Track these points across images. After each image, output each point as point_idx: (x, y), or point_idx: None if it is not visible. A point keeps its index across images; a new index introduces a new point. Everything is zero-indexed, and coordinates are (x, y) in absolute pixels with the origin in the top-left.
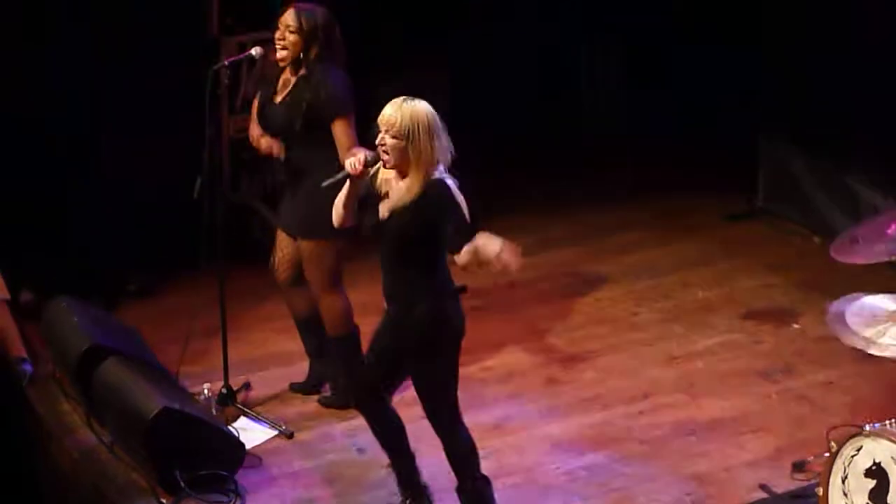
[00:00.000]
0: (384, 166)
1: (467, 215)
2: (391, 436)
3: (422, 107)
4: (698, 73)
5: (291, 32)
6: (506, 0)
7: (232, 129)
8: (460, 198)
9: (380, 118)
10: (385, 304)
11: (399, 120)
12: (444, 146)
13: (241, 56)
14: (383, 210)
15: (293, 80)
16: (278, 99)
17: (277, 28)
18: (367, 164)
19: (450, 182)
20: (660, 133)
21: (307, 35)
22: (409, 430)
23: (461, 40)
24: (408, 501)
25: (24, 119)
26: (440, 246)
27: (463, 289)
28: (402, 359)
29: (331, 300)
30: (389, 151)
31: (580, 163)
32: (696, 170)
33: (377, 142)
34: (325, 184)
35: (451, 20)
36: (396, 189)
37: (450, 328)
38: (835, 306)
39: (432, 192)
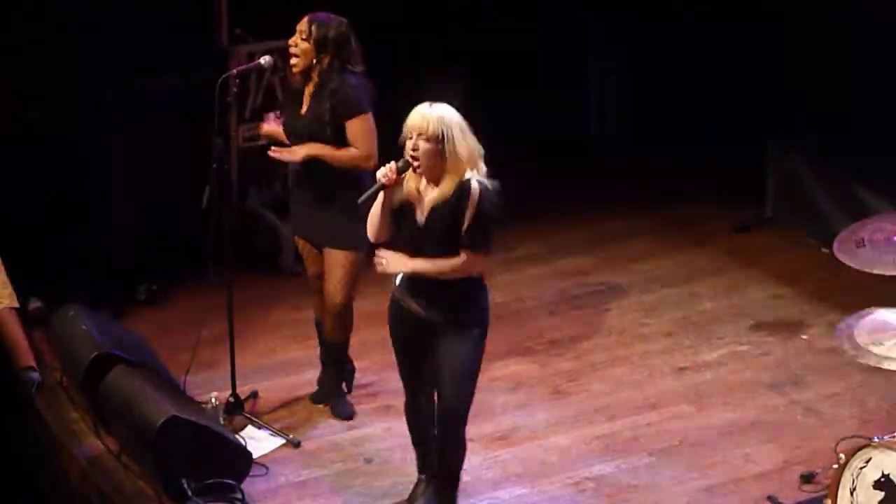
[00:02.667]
0: (414, 171)
1: (490, 221)
2: (424, 428)
3: (449, 109)
4: (705, 83)
5: (304, 40)
6: (516, 10)
7: (241, 138)
8: (489, 200)
9: (409, 124)
10: (408, 301)
11: (430, 124)
12: (473, 146)
13: (251, 65)
14: (420, 217)
15: (313, 90)
16: (303, 111)
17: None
18: (399, 172)
19: (480, 184)
20: (668, 143)
21: (318, 44)
22: None
23: (477, 47)
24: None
25: (34, 128)
26: None
27: None
28: (436, 365)
29: (344, 308)
30: (421, 157)
31: (589, 172)
32: (705, 180)
33: (409, 148)
34: (361, 199)
35: (467, 25)
36: (430, 194)
37: (483, 338)
38: (845, 323)
39: (463, 193)
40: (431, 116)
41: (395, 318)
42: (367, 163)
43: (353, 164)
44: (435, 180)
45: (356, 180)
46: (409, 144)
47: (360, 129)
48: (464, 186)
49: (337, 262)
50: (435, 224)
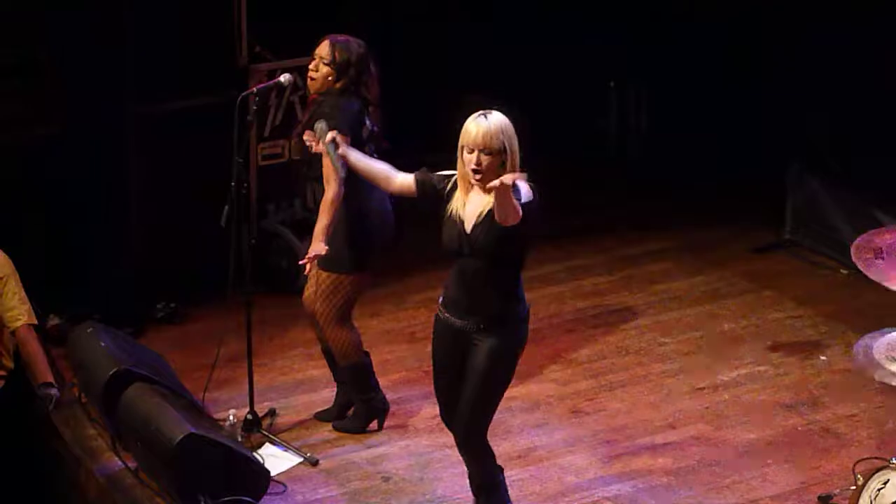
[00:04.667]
0: (478, 184)
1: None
2: None
3: (503, 118)
4: (726, 105)
5: (325, 64)
6: (533, 30)
7: (260, 156)
8: (528, 201)
9: (470, 140)
10: (446, 315)
11: (493, 139)
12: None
13: (270, 83)
14: (468, 225)
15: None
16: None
17: (313, 58)
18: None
19: (521, 186)
20: (688, 164)
21: (339, 68)
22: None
23: (495, 65)
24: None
25: (53, 143)
26: (521, 257)
27: None
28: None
29: (336, 333)
30: (486, 171)
31: (608, 193)
32: (724, 202)
33: (471, 162)
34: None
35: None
36: (479, 201)
37: (520, 349)
38: (861, 342)
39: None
40: (492, 131)
41: (436, 334)
42: (327, 183)
43: (330, 197)
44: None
45: (342, 203)
46: (470, 158)
47: None
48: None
49: (321, 281)
50: (479, 231)
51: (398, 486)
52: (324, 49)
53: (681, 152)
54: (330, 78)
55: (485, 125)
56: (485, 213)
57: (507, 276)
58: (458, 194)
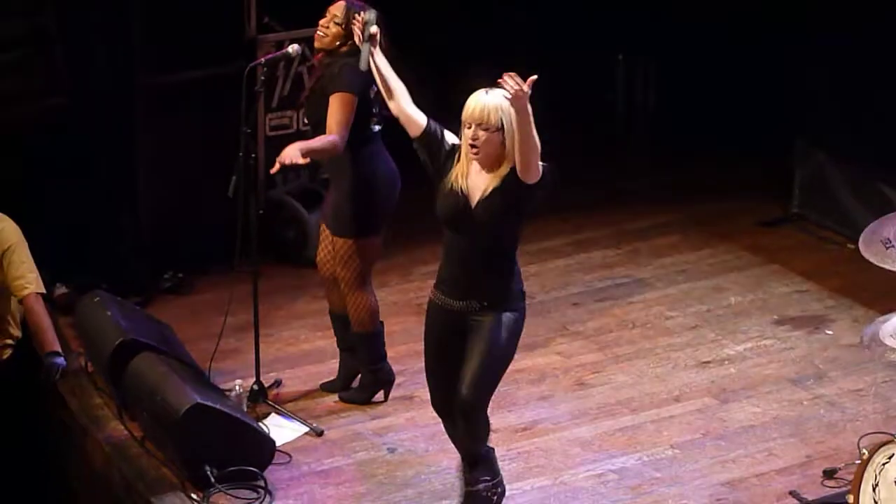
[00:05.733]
0: (475, 159)
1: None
2: None
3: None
4: (733, 78)
5: (336, 24)
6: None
7: (268, 127)
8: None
9: (467, 114)
10: (443, 298)
11: (490, 114)
12: None
13: (278, 53)
14: (472, 200)
15: (322, 69)
16: (313, 86)
17: (325, 15)
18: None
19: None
20: (695, 138)
21: (349, 31)
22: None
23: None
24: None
25: (61, 116)
26: (518, 238)
27: None
28: (466, 353)
29: (357, 298)
30: (482, 146)
31: (615, 166)
32: (731, 175)
33: (468, 137)
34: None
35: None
36: (483, 178)
37: (519, 328)
38: (869, 329)
39: (515, 177)
40: (490, 105)
41: (431, 318)
42: (330, 139)
43: (330, 139)
44: (490, 167)
45: (350, 166)
46: (467, 133)
47: (334, 106)
48: (515, 174)
49: (338, 248)
50: (482, 208)
51: (403, 457)
52: (339, 8)
53: (688, 126)
54: (339, 40)
55: (483, 100)
56: (489, 190)
57: (505, 254)
58: (458, 168)
